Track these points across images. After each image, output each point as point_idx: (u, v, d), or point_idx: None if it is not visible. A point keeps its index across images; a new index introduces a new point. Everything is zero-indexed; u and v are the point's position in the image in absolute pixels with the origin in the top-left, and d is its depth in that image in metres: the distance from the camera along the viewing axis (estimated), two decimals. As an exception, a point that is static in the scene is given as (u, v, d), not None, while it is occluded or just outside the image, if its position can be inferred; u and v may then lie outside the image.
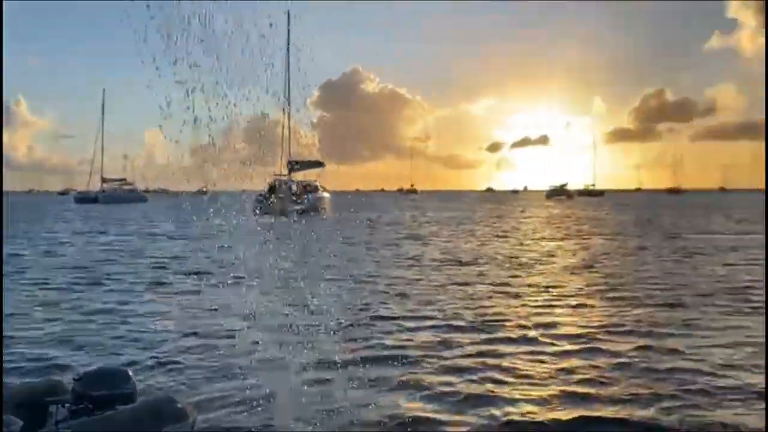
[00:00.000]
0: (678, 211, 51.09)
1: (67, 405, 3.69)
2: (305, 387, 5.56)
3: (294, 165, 52.40)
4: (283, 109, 51.89)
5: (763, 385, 6.12)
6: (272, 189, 50.48)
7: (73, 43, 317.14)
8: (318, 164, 52.33)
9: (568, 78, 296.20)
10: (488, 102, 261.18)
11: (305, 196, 49.89)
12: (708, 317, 9.61)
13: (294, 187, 51.75)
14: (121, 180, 69.03)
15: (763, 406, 5.59)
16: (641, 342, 8.03)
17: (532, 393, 6.10)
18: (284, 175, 52.41)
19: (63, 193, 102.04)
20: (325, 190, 53.21)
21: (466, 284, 13.13)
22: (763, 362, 6.85)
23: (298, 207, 48.93)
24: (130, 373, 4.05)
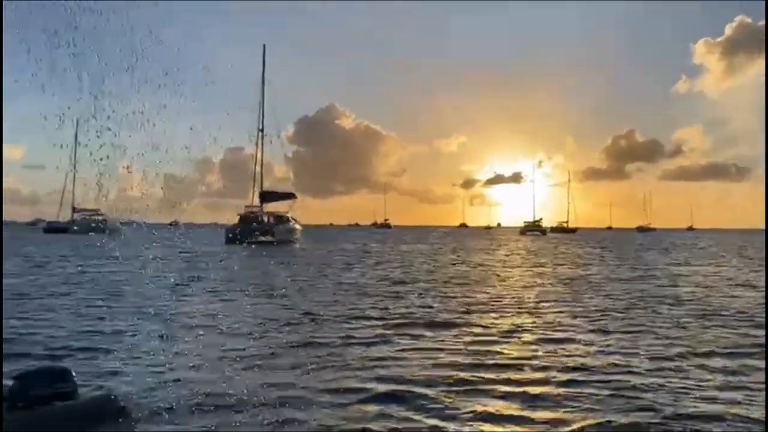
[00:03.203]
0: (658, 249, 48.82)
1: (4, 404, 3.56)
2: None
3: (266, 196, 52.19)
4: (257, 143, 50.74)
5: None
6: (243, 220, 50.17)
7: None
8: (289, 196, 52.31)
9: (540, 119, 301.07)
10: (461, 139, 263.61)
11: (276, 227, 49.51)
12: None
13: (265, 219, 51.42)
14: (92, 211, 64.94)
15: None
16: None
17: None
18: (256, 207, 52.08)
19: (32, 223, 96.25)
20: (296, 222, 52.99)
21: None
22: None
23: (268, 238, 48.67)
24: (72, 372, 3.91)
